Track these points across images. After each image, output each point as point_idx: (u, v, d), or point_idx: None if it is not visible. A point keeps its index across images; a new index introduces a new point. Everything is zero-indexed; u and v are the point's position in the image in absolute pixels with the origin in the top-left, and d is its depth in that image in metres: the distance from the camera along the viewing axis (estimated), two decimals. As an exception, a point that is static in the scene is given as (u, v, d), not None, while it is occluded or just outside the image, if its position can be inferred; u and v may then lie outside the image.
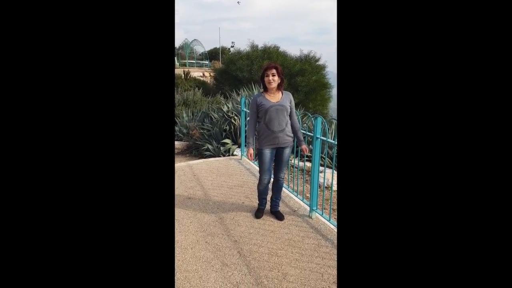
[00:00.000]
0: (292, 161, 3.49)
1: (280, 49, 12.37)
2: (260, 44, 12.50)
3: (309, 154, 2.73)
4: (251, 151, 2.56)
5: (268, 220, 2.69)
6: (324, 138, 2.64)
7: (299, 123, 2.72)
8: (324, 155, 4.56)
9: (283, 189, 3.05)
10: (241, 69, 11.53)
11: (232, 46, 28.61)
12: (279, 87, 2.51)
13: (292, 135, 2.59)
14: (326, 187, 3.44)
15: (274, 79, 2.44)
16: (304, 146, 2.62)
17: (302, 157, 3.75)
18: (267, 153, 2.54)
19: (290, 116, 2.56)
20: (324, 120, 2.70)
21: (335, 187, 3.53)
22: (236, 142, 5.09)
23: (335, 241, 2.37)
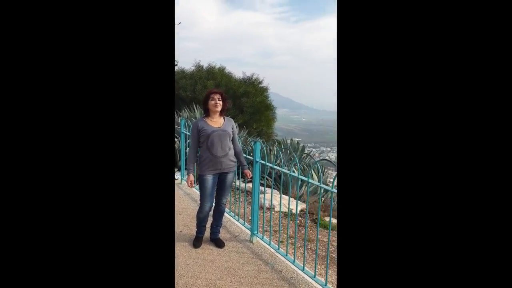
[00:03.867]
0: (236, 183, 3.47)
1: (225, 70, 12.55)
2: (205, 65, 12.51)
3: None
4: (192, 177, 2.52)
5: (207, 249, 2.59)
6: (263, 162, 2.69)
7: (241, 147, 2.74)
8: (267, 175, 4.64)
9: (224, 213, 3.00)
10: (184, 88, 11.38)
11: (175, 65, 28.21)
12: (221, 112, 2.52)
13: (235, 159, 2.60)
14: (268, 208, 3.47)
15: (219, 103, 2.47)
16: (247, 171, 2.65)
17: (244, 178, 3.76)
18: (209, 179, 2.49)
19: (233, 141, 2.59)
20: (263, 145, 2.76)
21: (277, 208, 3.58)
22: (175, 165, 4.91)
23: (275, 265, 2.37)
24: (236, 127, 2.80)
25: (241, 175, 2.76)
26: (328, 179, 5.36)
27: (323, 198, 4.71)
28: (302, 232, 2.99)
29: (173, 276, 0.92)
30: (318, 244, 2.75)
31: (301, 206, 3.67)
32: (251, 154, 2.73)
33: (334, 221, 3.63)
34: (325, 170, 5.79)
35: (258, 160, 2.71)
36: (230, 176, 2.59)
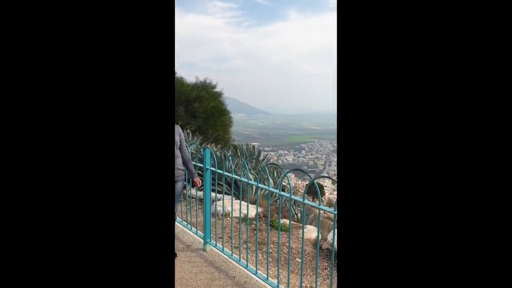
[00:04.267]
0: (189, 191, 3.40)
1: (177, 75, 12.27)
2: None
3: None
4: None
5: (158, 262, 2.50)
6: (214, 169, 2.67)
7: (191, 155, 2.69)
8: (222, 181, 4.61)
9: (176, 223, 2.92)
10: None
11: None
12: None
13: (183, 168, 2.54)
14: (221, 215, 3.45)
15: None
16: (196, 179, 2.60)
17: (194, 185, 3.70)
18: None
19: (181, 149, 2.52)
20: (213, 151, 2.75)
21: (234, 214, 3.58)
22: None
23: (229, 272, 2.37)
24: (187, 133, 2.76)
25: (192, 183, 2.72)
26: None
27: (278, 201, 4.82)
28: (258, 236, 3.02)
29: (173, 278, 0.92)
30: (269, 246, 2.80)
31: (259, 210, 3.72)
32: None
33: (288, 222, 3.72)
34: (281, 173, 5.93)
35: (208, 167, 2.70)
36: (178, 185, 2.53)
